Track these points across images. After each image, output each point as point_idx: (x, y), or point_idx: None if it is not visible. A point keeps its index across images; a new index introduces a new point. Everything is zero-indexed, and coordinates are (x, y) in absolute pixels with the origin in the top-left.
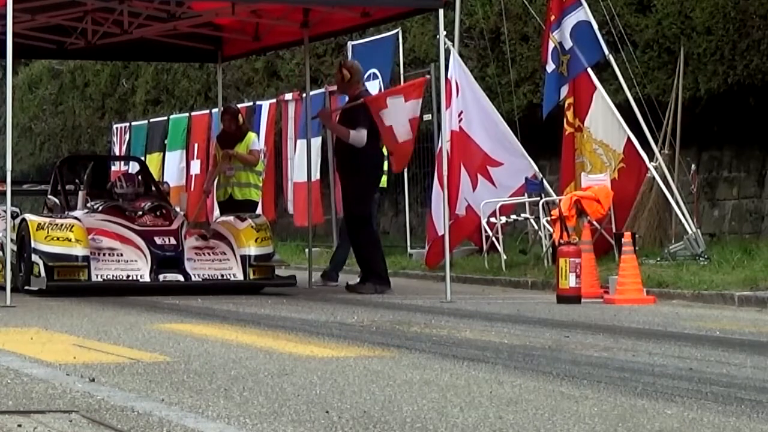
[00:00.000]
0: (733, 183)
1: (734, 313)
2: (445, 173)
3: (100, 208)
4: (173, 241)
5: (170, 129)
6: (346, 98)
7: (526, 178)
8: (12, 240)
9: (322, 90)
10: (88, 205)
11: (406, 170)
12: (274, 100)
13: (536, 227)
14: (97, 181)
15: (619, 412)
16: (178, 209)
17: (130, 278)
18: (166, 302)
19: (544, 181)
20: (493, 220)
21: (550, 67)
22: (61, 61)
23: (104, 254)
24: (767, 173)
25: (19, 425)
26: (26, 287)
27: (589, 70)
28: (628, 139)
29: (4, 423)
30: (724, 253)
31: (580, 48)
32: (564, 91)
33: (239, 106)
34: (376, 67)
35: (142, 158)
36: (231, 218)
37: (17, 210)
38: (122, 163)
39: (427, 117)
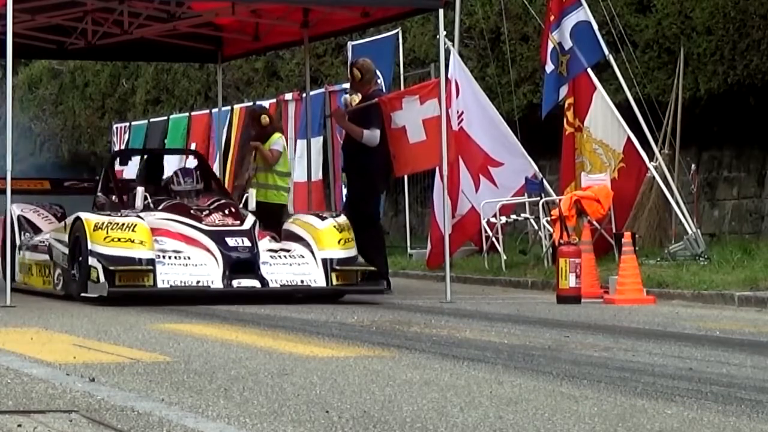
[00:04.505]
0: (733, 183)
1: (734, 313)
2: (445, 173)
3: (161, 206)
4: (247, 243)
5: (170, 129)
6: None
7: (526, 178)
8: (60, 241)
9: (322, 90)
10: (146, 203)
11: None
12: (274, 100)
13: (536, 227)
14: (151, 177)
15: (619, 412)
16: None
17: (200, 284)
18: (166, 302)
19: (544, 181)
20: (493, 220)
21: (549, 67)
22: (61, 61)
23: (169, 257)
24: (767, 173)
25: (19, 425)
26: (83, 294)
27: (589, 70)
28: (628, 138)
29: (4, 423)
30: (724, 253)
31: (580, 48)
32: (564, 91)
33: (239, 106)
34: (376, 67)
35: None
36: (310, 217)
37: (60, 207)
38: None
39: None
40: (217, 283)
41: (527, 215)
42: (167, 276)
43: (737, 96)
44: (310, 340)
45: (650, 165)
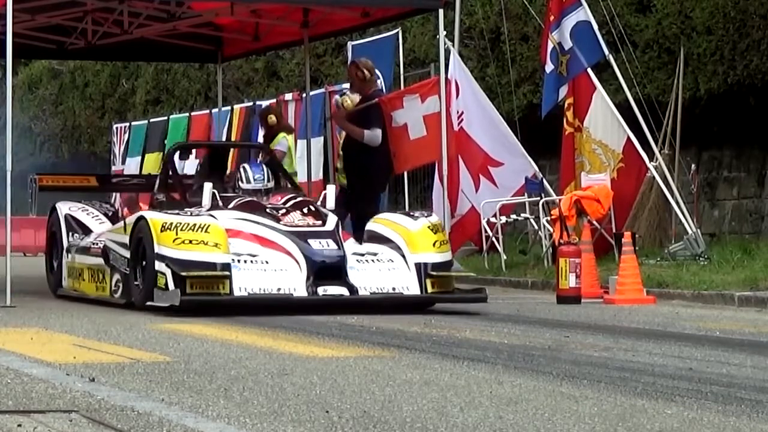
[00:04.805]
0: (733, 183)
1: (734, 313)
2: (445, 173)
3: (231, 203)
4: (333, 246)
5: (170, 129)
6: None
7: (526, 178)
8: (118, 243)
9: (322, 90)
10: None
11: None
12: (274, 100)
13: (536, 227)
14: (214, 173)
15: (619, 412)
16: None
17: (281, 292)
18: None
19: (544, 181)
20: (493, 220)
21: (549, 67)
22: (61, 61)
23: (244, 261)
24: (767, 173)
25: (19, 425)
26: (149, 303)
27: (589, 70)
28: (628, 138)
29: (4, 423)
30: (724, 253)
31: (580, 48)
32: (563, 91)
33: (239, 106)
34: (376, 67)
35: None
36: (399, 216)
37: (111, 206)
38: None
39: None
40: (300, 291)
41: (527, 215)
42: (243, 282)
43: (737, 96)
44: (310, 340)
45: (650, 165)
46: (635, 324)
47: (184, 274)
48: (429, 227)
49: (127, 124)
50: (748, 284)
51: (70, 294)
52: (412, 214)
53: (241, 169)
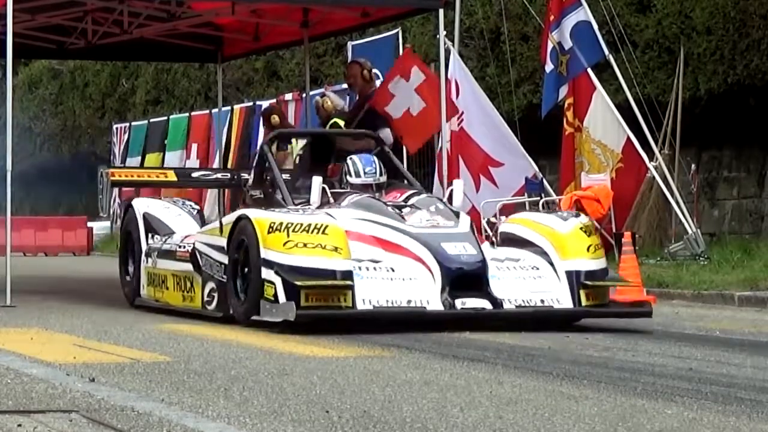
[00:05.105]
0: (733, 183)
1: (734, 313)
2: (445, 173)
3: (343, 200)
4: (472, 250)
5: (170, 129)
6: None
7: (526, 178)
8: (213, 246)
9: (322, 90)
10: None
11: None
12: (274, 100)
13: None
14: (317, 165)
15: (619, 412)
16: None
17: (412, 304)
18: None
19: (544, 181)
20: (493, 219)
21: (549, 67)
22: (61, 61)
23: (365, 268)
24: (767, 173)
25: (19, 425)
26: (254, 317)
27: (589, 70)
28: (628, 139)
29: (4, 423)
30: (724, 253)
31: (580, 48)
32: (563, 91)
33: (239, 106)
34: (376, 67)
35: (144, 156)
36: (544, 216)
37: (194, 205)
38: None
39: None
40: (435, 303)
41: None
42: (368, 294)
43: (737, 96)
44: (310, 340)
45: (650, 165)
46: (635, 324)
47: (299, 283)
48: (582, 229)
49: (127, 124)
50: (748, 284)
51: (151, 304)
52: (558, 212)
53: (349, 161)
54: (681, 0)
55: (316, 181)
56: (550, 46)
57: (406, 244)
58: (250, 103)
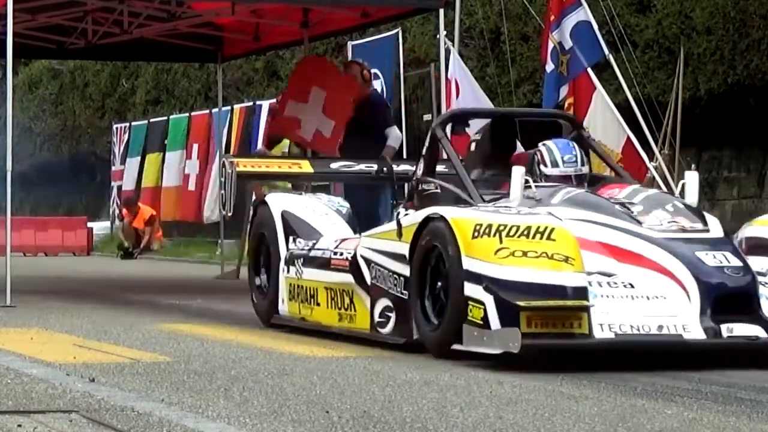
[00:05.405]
0: (733, 183)
1: None
2: None
3: (555, 196)
4: (735, 261)
5: (170, 129)
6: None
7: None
8: (388, 254)
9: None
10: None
11: None
12: (274, 100)
13: None
14: (500, 153)
15: (619, 412)
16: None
17: (664, 331)
18: (166, 302)
19: None
20: None
21: (549, 67)
22: (61, 61)
23: (598, 284)
24: (767, 173)
25: (19, 425)
26: (456, 347)
27: (589, 70)
28: (628, 138)
29: (4, 423)
30: None
31: (580, 48)
32: (564, 91)
33: (239, 106)
34: (376, 67)
35: (144, 156)
36: None
37: (343, 202)
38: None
39: (427, 117)
40: (694, 330)
41: None
42: (606, 317)
43: (737, 96)
44: (310, 340)
45: (650, 165)
46: None
47: (521, 303)
48: None
49: (127, 124)
50: None
51: (294, 323)
52: None
53: (543, 148)
54: (681, 0)
55: (517, 173)
56: (550, 46)
57: (646, 252)
58: (250, 103)
